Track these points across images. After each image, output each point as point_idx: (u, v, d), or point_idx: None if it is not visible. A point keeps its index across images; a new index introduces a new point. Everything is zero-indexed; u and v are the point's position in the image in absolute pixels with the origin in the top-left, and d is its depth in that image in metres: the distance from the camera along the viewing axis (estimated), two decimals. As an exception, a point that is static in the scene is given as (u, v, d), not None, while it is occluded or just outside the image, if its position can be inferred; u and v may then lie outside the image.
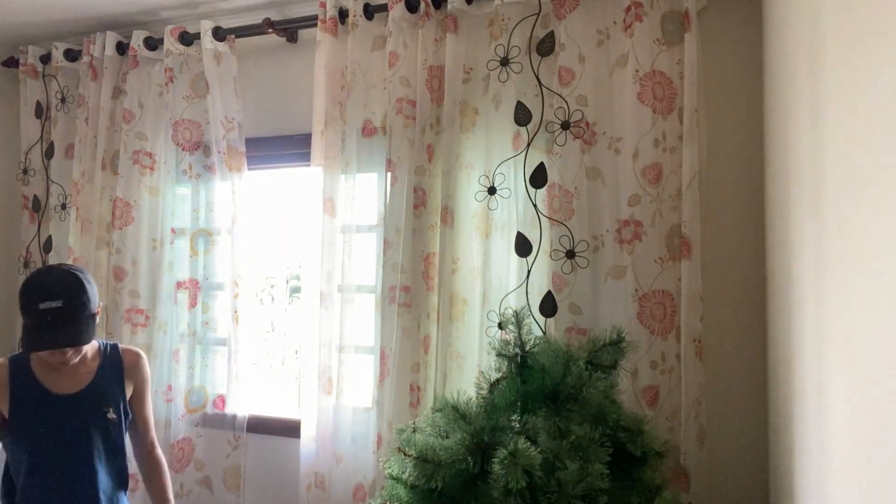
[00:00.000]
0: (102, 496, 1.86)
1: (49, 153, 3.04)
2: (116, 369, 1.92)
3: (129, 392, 1.93)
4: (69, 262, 2.85)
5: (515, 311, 1.83)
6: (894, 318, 0.86)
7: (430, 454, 1.53)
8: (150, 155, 2.82)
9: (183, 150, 2.79)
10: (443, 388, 2.23)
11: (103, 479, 1.87)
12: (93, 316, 1.75)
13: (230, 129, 2.73)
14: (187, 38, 2.75)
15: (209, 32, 2.69)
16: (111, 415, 1.87)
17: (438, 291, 2.29)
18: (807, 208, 1.41)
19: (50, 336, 1.66)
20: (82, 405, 1.84)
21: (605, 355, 1.81)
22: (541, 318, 2.19)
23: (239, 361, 2.77)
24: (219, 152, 2.71)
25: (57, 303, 1.65)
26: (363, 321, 2.45)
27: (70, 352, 1.74)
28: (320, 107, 2.48)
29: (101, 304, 2.01)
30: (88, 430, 1.83)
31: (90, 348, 1.88)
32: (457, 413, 1.65)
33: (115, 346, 1.94)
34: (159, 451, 2.03)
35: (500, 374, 1.76)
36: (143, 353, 1.99)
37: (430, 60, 2.33)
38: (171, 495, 2.01)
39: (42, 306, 1.64)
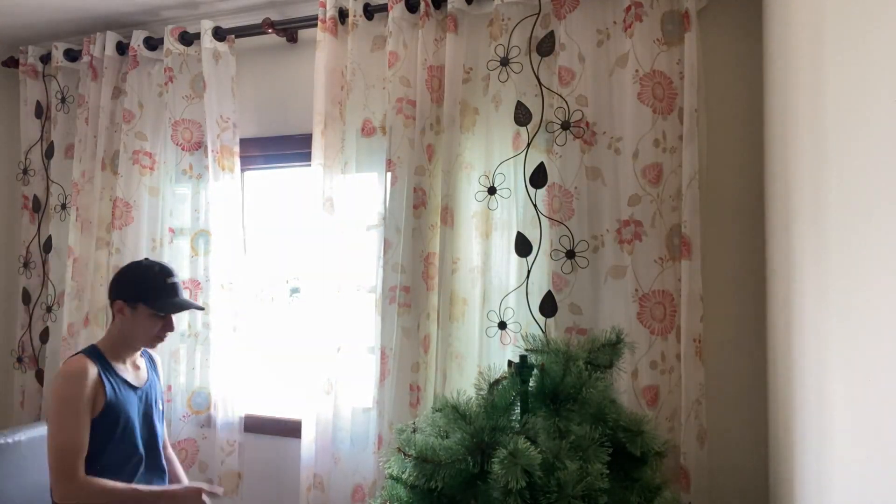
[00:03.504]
0: (167, 479, 2.10)
1: (49, 153, 3.04)
2: (153, 366, 2.17)
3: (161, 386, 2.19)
4: (69, 262, 2.86)
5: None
6: (895, 317, 0.86)
7: (430, 454, 1.53)
8: (150, 155, 2.82)
9: (183, 149, 2.79)
10: (443, 388, 2.23)
11: (163, 465, 2.09)
12: None
13: (225, 128, 2.73)
14: (187, 38, 2.75)
15: (209, 32, 2.69)
16: (162, 406, 2.14)
17: (438, 291, 2.29)
18: (807, 208, 1.41)
19: (181, 301, 2.00)
20: (150, 396, 2.07)
21: (603, 356, 1.81)
22: (541, 318, 2.19)
23: (239, 361, 2.77)
24: (213, 151, 2.71)
25: (176, 278, 2.01)
26: (363, 321, 2.45)
27: (173, 325, 2.01)
28: (320, 107, 2.48)
29: None
30: (157, 419, 2.07)
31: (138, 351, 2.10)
32: (457, 413, 1.64)
33: (145, 351, 2.14)
34: (167, 441, 2.22)
35: (500, 374, 1.76)
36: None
37: (430, 60, 2.33)
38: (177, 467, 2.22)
39: (169, 280, 1.97)
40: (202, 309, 2.18)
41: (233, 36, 2.73)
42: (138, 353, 2.08)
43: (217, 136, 2.71)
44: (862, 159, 1.00)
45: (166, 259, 2.82)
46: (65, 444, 1.83)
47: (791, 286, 1.61)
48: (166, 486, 2.02)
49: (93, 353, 1.97)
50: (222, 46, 2.73)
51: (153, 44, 2.82)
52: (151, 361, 2.17)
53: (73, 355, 1.98)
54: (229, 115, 2.74)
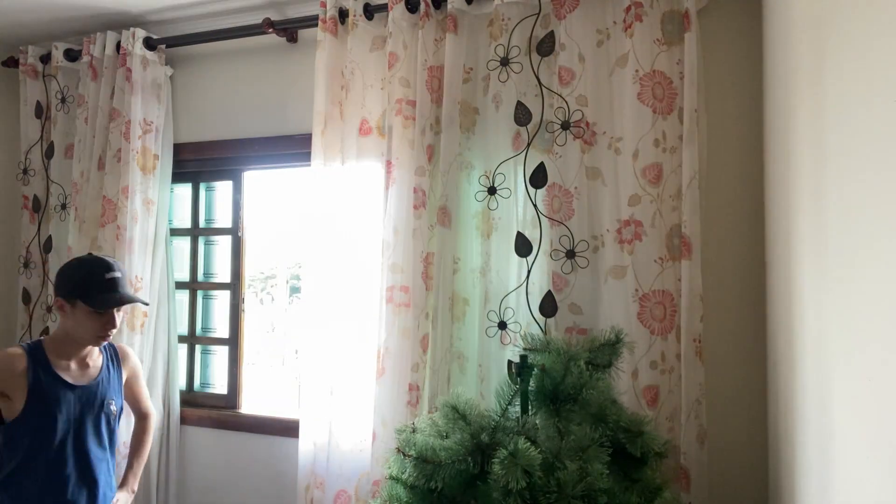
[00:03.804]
0: (104, 484, 2.00)
1: (49, 153, 3.04)
2: (115, 364, 2.08)
3: (124, 381, 2.11)
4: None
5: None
6: (895, 316, 0.86)
7: (429, 454, 1.53)
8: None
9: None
10: (446, 389, 2.23)
11: (104, 469, 2.00)
12: None
13: (147, 130, 2.80)
14: (151, 43, 2.84)
15: (140, 40, 2.80)
16: (114, 407, 2.02)
17: (437, 291, 2.29)
18: (807, 208, 1.41)
19: (119, 296, 1.90)
20: (93, 396, 1.97)
21: (602, 355, 1.81)
22: (541, 318, 2.19)
23: (239, 361, 2.77)
24: (132, 151, 2.75)
25: (118, 273, 1.92)
26: (362, 321, 2.45)
27: (119, 318, 1.93)
28: (320, 107, 2.48)
29: None
30: (98, 420, 1.97)
31: (90, 347, 2.00)
32: (457, 413, 1.64)
33: (111, 345, 2.08)
34: (152, 415, 2.23)
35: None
36: (128, 350, 2.17)
37: (429, 60, 2.33)
38: (145, 448, 2.19)
39: (108, 276, 1.89)
40: (146, 303, 2.08)
41: (163, 46, 2.85)
42: (90, 349, 1.98)
43: (138, 137, 2.78)
44: (862, 159, 1.00)
45: (167, 259, 2.84)
46: None
47: (791, 285, 1.61)
48: None
49: (34, 347, 1.91)
50: (151, 55, 2.83)
51: (153, 44, 2.83)
52: (114, 358, 2.07)
53: (14, 345, 1.96)
54: (153, 119, 2.82)
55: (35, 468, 1.87)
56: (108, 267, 1.91)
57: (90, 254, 2.04)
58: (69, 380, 1.92)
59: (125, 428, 2.36)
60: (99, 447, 1.98)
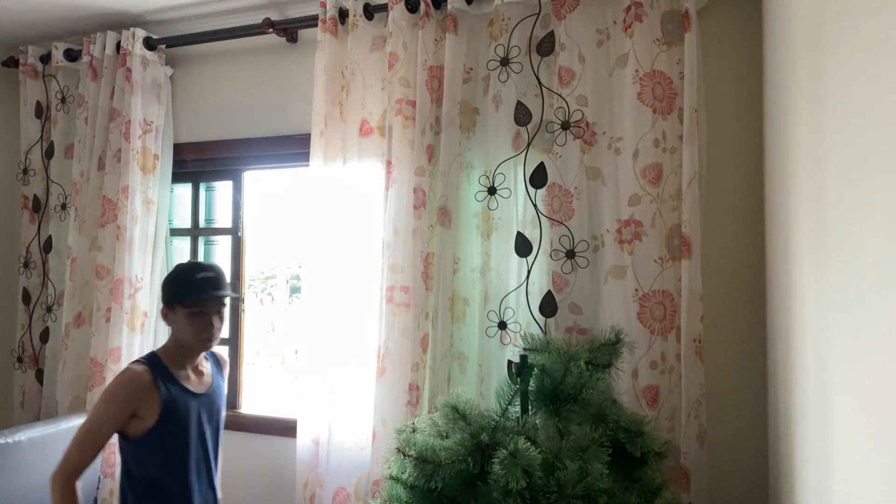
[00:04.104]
0: (217, 492, 2.02)
1: (49, 153, 3.04)
2: (219, 369, 2.09)
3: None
4: (68, 261, 2.86)
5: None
6: (895, 316, 0.86)
7: (429, 454, 1.53)
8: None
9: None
10: (446, 389, 2.23)
11: (216, 478, 2.02)
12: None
13: (147, 130, 2.80)
14: (151, 43, 2.83)
15: (140, 40, 2.79)
16: (223, 413, 2.05)
17: (437, 291, 2.29)
18: (807, 207, 1.41)
19: (211, 294, 1.86)
20: (212, 403, 1.99)
21: (602, 355, 1.81)
22: (541, 318, 2.19)
23: (239, 361, 2.77)
24: (132, 151, 2.75)
25: (210, 273, 1.90)
26: (362, 321, 2.45)
27: (219, 321, 1.90)
28: (320, 107, 2.48)
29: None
30: (216, 428, 1.99)
31: (201, 354, 2.00)
32: (457, 413, 1.64)
33: (212, 353, 2.08)
34: None
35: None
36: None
37: (430, 61, 2.33)
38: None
39: (199, 275, 1.88)
40: (237, 297, 2.03)
41: (163, 46, 2.84)
42: (200, 357, 1.98)
43: (138, 137, 2.78)
44: (861, 158, 1.00)
45: (167, 259, 2.84)
46: (82, 438, 1.81)
47: (791, 285, 1.61)
48: None
49: (152, 360, 1.91)
50: (151, 55, 2.82)
51: (152, 44, 2.83)
52: (217, 364, 2.08)
53: (133, 361, 1.92)
54: (153, 119, 2.82)
55: (167, 481, 1.86)
56: (200, 268, 1.90)
57: (189, 260, 2.03)
58: (191, 388, 1.93)
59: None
60: (214, 457, 1.99)
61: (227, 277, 2.33)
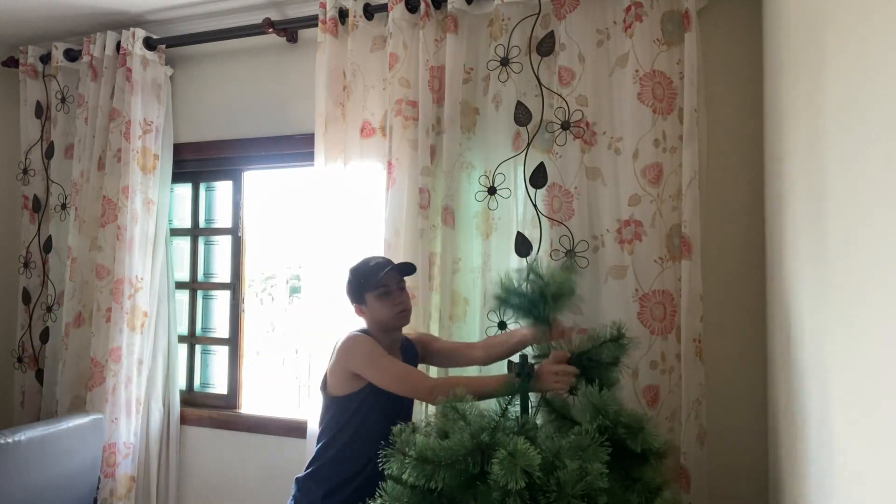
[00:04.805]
0: None
1: (49, 153, 3.04)
2: (412, 351, 2.10)
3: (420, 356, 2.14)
4: (68, 261, 2.86)
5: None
6: (894, 315, 0.86)
7: (429, 454, 1.52)
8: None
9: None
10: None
11: None
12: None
13: (147, 130, 2.80)
14: (151, 43, 2.83)
15: (140, 40, 2.79)
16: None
17: (440, 291, 2.28)
18: (806, 207, 1.41)
19: (390, 268, 1.98)
20: None
21: (606, 352, 1.81)
22: (541, 318, 2.18)
23: (239, 361, 2.77)
24: (132, 151, 2.75)
25: (381, 259, 2.02)
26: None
27: (404, 295, 2.00)
28: (321, 107, 2.48)
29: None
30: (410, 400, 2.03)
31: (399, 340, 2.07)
32: (457, 413, 1.64)
33: (405, 338, 2.11)
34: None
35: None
36: (424, 331, 2.24)
37: (430, 61, 2.33)
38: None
39: (372, 263, 2.00)
40: (411, 267, 2.04)
41: (163, 46, 2.84)
42: (398, 342, 2.06)
43: (139, 137, 2.78)
44: (860, 158, 1.00)
45: (167, 259, 2.84)
46: (397, 373, 1.90)
47: (790, 285, 1.61)
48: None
49: (368, 333, 2.02)
50: (151, 55, 2.82)
51: (152, 44, 2.83)
52: (413, 352, 2.13)
53: (351, 333, 2.01)
54: (153, 119, 2.82)
55: (370, 437, 1.88)
56: (371, 259, 2.04)
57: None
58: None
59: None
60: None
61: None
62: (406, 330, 2.10)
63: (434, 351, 2.14)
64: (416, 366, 2.09)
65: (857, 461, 1.05)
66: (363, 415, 1.93)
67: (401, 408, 1.97)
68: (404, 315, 2.00)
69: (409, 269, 2.01)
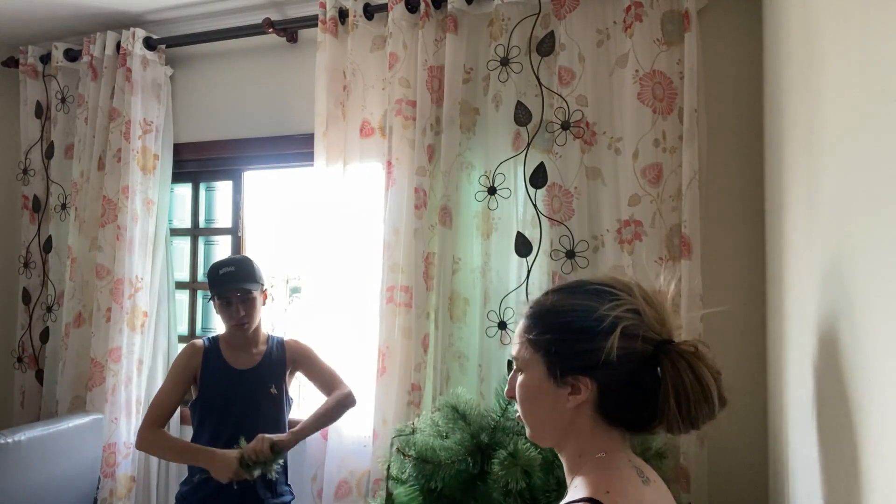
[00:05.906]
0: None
1: (49, 153, 3.04)
2: (281, 353, 2.27)
3: (292, 373, 2.29)
4: (68, 261, 2.87)
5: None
6: (894, 315, 0.86)
7: (430, 454, 1.53)
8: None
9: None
10: (446, 389, 2.23)
11: None
12: (259, 284, 2.18)
13: (147, 130, 2.80)
14: (151, 43, 2.83)
15: (140, 40, 2.79)
16: (273, 390, 2.21)
17: (438, 291, 2.29)
18: (805, 207, 1.41)
19: (227, 286, 2.12)
20: (253, 379, 2.19)
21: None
22: (541, 318, 2.18)
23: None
24: (132, 151, 2.75)
25: (231, 268, 2.15)
26: (363, 321, 2.45)
27: (242, 310, 2.13)
28: (322, 107, 2.48)
29: (265, 287, 2.26)
30: (257, 402, 2.18)
31: (261, 337, 2.25)
32: (457, 413, 1.64)
33: (279, 339, 2.29)
34: (345, 386, 2.25)
35: None
36: (299, 339, 2.35)
37: (430, 61, 2.33)
38: (328, 407, 2.19)
39: (221, 271, 2.15)
40: (248, 289, 2.15)
41: (163, 46, 2.84)
42: (255, 340, 2.22)
43: (138, 137, 2.78)
44: (859, 158, 1.00)
45: (167, 259, 2.85)
46: (155, 399, 2.18)
47: (790, 285, 1.61)
48: (210, 449, 2.06)
49: (211, 339, 2.23)
50: (151, 55, 2.82)
51: (153, 44, 2.83)
52: (281, 348, 2.26)
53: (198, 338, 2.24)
54: (153, 119, 2.82)
55: (214, 439, 2.11)
56: (224, 264, 2.17)
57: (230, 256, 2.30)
58: (234, 365, 2.18)
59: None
60: (260, 429, 2.09)
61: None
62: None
63: (306, 372, 2.29)
64: (283, 367, 2.25)
65: (858, 459, 1.05)
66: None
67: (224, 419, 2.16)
68: (239, 329, 2.15)
69: (246, 288, 2.13)
